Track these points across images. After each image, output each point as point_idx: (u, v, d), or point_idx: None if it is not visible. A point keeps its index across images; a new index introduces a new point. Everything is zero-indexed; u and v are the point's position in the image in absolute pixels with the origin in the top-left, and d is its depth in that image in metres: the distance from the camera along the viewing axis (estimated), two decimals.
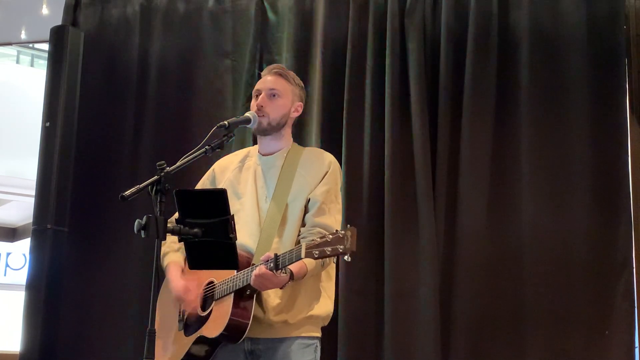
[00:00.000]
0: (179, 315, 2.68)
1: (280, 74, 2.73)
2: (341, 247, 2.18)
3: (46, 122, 3.75)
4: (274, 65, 2.83)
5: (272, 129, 2.68)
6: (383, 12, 3.68)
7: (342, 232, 2.20)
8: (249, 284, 2.42)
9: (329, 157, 2.73)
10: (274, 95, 2.68)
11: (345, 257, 2.20)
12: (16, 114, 7.75)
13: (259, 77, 3.51)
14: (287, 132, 2.75)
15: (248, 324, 2.45)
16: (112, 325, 3.72)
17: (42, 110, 3.81)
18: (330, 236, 2.22)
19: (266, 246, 2.54)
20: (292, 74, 2.78)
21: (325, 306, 2.63)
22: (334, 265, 2.72)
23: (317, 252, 2.22)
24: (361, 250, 3.45)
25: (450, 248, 3.48)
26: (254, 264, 2.46)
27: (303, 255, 2.24)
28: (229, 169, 2.80)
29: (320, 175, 2.65)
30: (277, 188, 2.65)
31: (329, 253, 2.20)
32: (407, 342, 3.41)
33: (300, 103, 2.77)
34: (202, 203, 2.16)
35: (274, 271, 2.33)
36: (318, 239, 2.24)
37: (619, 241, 3.37)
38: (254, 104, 2.69)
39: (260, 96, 2.68)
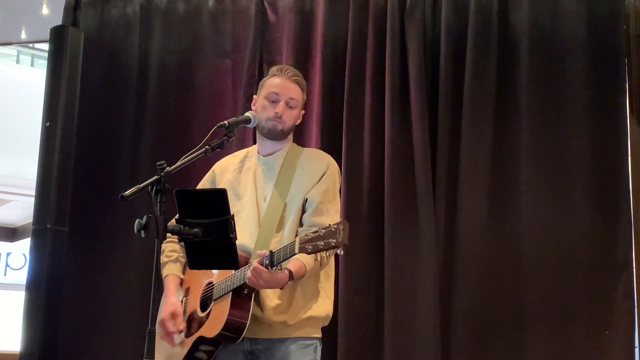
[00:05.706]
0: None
1: (298, 83, 2.73)
2: (333, 240, 2.18)
3: (46, 122, 3.74)
4: (289, 68, 2.79)
5: (283, 136, 2.72)
6: (383, 12, 3.67)
7: (335, 225, 2.20)
8: (246, 282, 2.42)
9: (328, 158, 2.74)
10: (291, 106, 2.69)
11: (338, 251, 2.21)
12: (16, 114, 7.75)
13: (260, 77, 3.53)
14: (290, 135, 2.77)
15: (246, 323, 2.45)
16: (112, 325, 3.72)
17: (42, 110, 3.81)
18: (323, 230, 2.21)
19: (264, 246, 2.54)
20: (304, 81, 2.78)
21: (324, 307, 2.63)
22: (333, 265, 2.72)
23: (310, 247, 2.22)
24: (361, 250, 3.48)
25: (450, 248, 3.48)
26: (250, 263, 2.46)
27: (297, 250, 2.24)
28: (228, 170, 2.81)
29: (318, 175, 2.66)
30: (276, 188, 2.66)
31: (321, 247, 2.20)
32: (407, 342, 3.40)
33: (303, 111, 2.80)
34: (202, 203, 2.16)
35: (269, 268, 2.33)
36: (311, 234, 2.24)
37: (619, 241, 3.37)
38: (267, 105, 2.68)
39: (280, 104, 2.67)
